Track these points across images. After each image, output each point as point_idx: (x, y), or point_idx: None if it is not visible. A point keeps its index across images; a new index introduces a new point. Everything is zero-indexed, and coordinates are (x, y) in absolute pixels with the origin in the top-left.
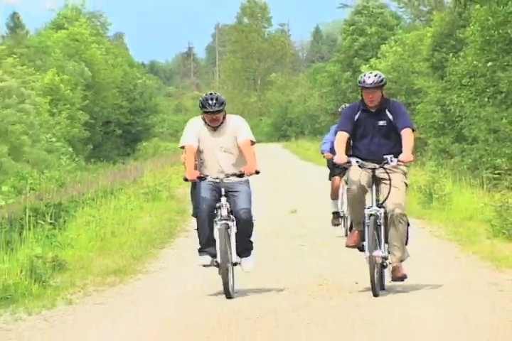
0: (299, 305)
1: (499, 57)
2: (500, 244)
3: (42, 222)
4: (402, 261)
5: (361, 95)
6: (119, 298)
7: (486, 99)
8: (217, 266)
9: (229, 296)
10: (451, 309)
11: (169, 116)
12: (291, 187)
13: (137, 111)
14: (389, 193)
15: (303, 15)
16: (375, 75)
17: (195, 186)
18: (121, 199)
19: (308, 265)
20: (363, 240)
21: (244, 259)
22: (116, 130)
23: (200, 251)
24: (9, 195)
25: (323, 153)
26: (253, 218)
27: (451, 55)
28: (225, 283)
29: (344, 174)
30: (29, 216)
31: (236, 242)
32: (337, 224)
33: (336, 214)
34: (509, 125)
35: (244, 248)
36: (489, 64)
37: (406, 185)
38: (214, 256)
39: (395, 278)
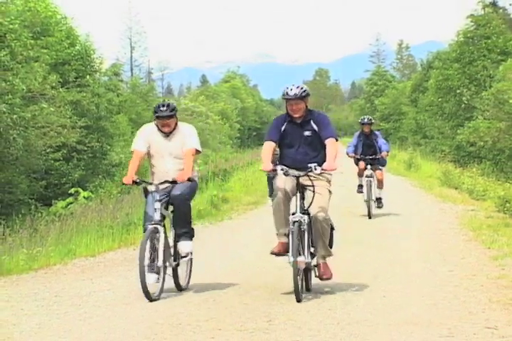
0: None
1: (444, 96)
2: (445, 190)
3: (217, 178)
4: (325, 258)
5: (286, 107)
6: (255, 216)
7: (438, 117)
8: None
9: (148, 297)
10: (420, 216)
11: None
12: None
13: (263, 123)
14: (313, 199)
15: (346, 75)
16: (297, 87)
17: (270, 177)
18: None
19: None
20: (287, 251)
21: (182, 242)
22: (253, 132)
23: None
24: (201, 165)
25: (348, 154)
26: (188, 203)
27: (420, 94)
28: (142, 281)
29: (366, 162)
30: (210, 175)
31: (175, 225)
32: (360, 192)
33: (360, 186)
34: (449, 130)
35: (183, 231)
36: (439, 99)
37: (330, 191)
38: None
39: (321, 278)
